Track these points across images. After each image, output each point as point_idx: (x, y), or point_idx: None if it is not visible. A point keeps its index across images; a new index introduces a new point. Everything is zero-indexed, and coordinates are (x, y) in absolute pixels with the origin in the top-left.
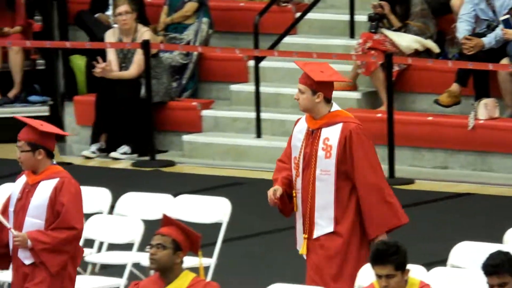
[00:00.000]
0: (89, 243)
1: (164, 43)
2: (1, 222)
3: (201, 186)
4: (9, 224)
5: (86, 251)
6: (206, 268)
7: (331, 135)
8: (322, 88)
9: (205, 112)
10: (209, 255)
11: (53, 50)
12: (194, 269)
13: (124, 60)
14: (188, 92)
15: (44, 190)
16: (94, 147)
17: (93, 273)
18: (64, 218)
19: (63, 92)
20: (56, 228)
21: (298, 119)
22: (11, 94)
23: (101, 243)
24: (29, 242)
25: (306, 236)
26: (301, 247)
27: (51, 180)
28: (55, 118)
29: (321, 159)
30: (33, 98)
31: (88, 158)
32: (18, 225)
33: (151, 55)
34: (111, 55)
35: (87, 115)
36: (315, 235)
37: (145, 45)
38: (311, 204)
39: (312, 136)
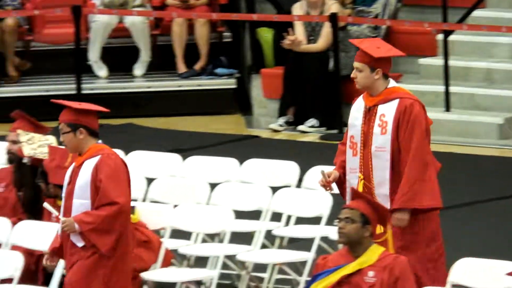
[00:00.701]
0: (277, 216)
1: (352, 16)
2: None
3: None
4: (56, 212)
5: (274, 224)
6: None
7: (387, 111)
8: (381, 64)
9: None
10: None
11: (239, 23)
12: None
13: (312, 33)
14: None
15: (87, 169)
16: (281, 120)
17: (280, 246)
18: (103, 194)
19: (250, 64)
20: (98, 206)
21: (355, 98)
22: (197, 66)
23: (289, 217)
24: (76, 226)
25: None
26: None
27: (93, 159)
28: (242, 91)
29: (377, 136)
30: (219, 70)
31: (275, 131)
32: (68, 209)
33: (339, 28)
34: (299, 28)
35: (274, 88)
36: None
37: (333, 18)
38: (371, 183)
39: (369, 113)
